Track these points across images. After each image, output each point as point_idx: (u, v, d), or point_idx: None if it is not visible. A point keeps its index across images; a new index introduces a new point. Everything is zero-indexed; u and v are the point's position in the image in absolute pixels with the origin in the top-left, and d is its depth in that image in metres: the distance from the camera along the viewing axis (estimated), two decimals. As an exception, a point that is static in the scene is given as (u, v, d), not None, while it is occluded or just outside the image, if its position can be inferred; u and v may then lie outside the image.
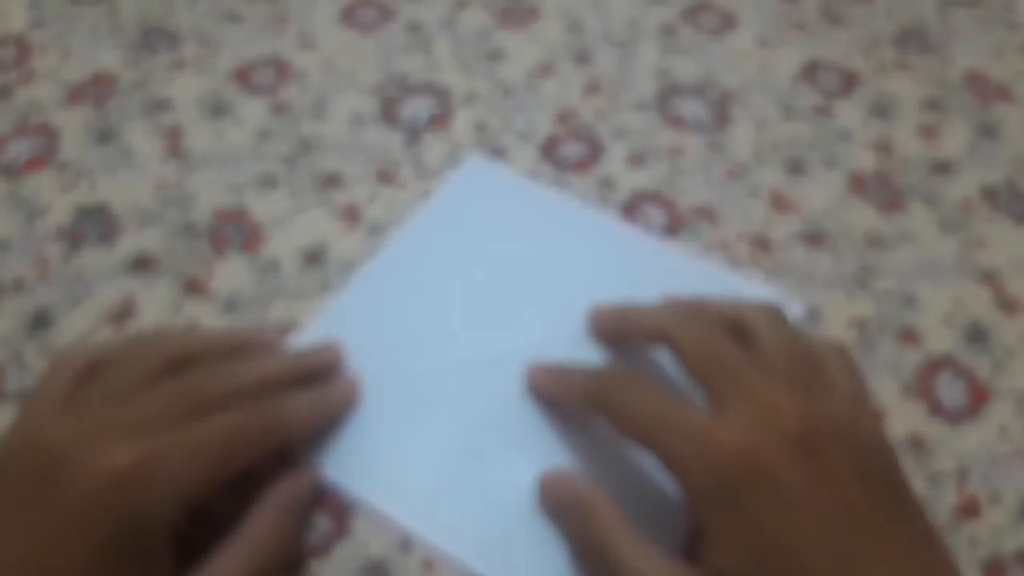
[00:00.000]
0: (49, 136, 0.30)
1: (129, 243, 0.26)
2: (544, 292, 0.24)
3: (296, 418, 0.20)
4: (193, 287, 0.25)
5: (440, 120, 0.31)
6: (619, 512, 0.18)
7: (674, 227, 0.28)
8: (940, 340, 0.25)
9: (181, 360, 0.19)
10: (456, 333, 0.23)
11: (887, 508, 0.17)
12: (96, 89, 0.32)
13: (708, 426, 0.17)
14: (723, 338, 0.19)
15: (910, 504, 0.17)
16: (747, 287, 0.25)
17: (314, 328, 0.24)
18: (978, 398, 0.24)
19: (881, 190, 0.29)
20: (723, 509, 0.16)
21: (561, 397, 0.21)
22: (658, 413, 0.18)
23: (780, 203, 0.29)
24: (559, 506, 0.20)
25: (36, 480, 0.16)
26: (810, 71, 0.34)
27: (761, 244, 0.27)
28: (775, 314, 0.20)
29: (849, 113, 0.32)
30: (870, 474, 0.17)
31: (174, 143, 0.30)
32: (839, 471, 0.16)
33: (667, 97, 0.32)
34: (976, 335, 0.25)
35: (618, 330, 0.23)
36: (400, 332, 0.24)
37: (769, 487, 0.16)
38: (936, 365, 0.24)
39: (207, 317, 0.25)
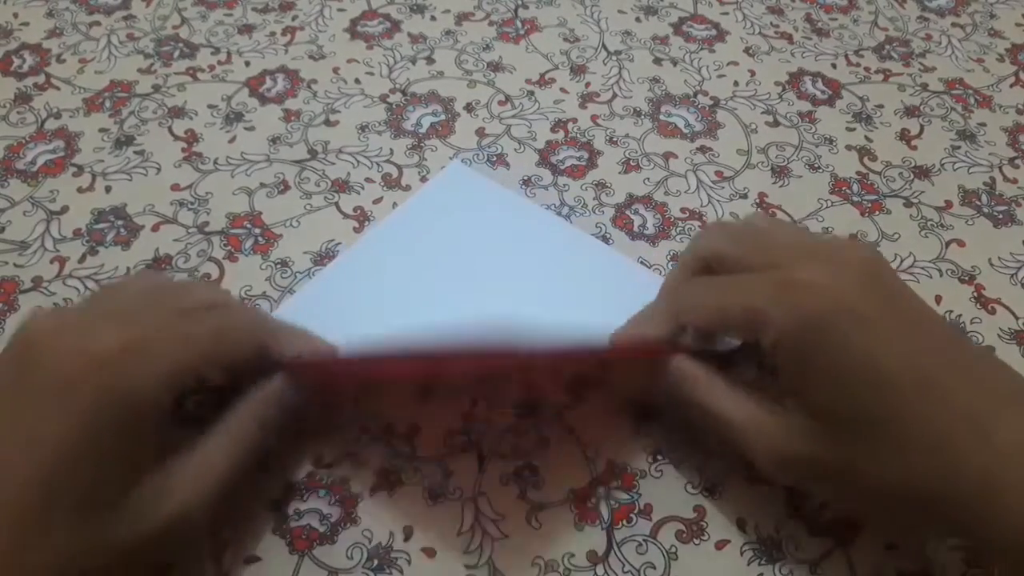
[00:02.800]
0: (67, 140, 0.31)
1: (145, 244, 0.28)
2: (502, 276, 0.26)
3: (279, 326, 0.21)
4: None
5: (443, 127, 0.32)
6: (702, 365, 0.20)
7: (666, 228, 0.29)
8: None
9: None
10: (420, 306, 0.25)
11: (950, 327, 0.18)
12: (113, 96, 0.33)
13: (782, 275, 0.18)
14: (757, 226, 0.21)
15: (960, 332, 0.19)
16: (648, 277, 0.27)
17: (292, 301, 0.25)
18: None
19: (864, 192, 0.31)
20: (810, 347, 0.17)
21: (648, 338, 0.21)
22: (725, 287, 0.19)
23: (767, 205, 0.30)
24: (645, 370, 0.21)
25: (19, 365, 0.17)
26: (796, 79, 0.35)
27: (750, 244, 0.28)
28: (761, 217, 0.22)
29: (833, 119, 0.33)
30: (914, 296, 0.19)
31: (189, 148, 0.31)
32: (907, 297, 0.18)
33: (659, 105, 0.34)
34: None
35: (672, 324, 0.22)
36: (370, 308, 0.25)
37: (847, 315, 0.17)
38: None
39: (220, 314, 0.26)
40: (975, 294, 0.27)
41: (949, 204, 0.30)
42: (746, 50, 0.36)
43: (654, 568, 0.21)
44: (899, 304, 0.18)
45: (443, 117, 0.33)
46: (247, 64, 0.35)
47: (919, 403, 0.16)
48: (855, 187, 0.31)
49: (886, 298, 0.18)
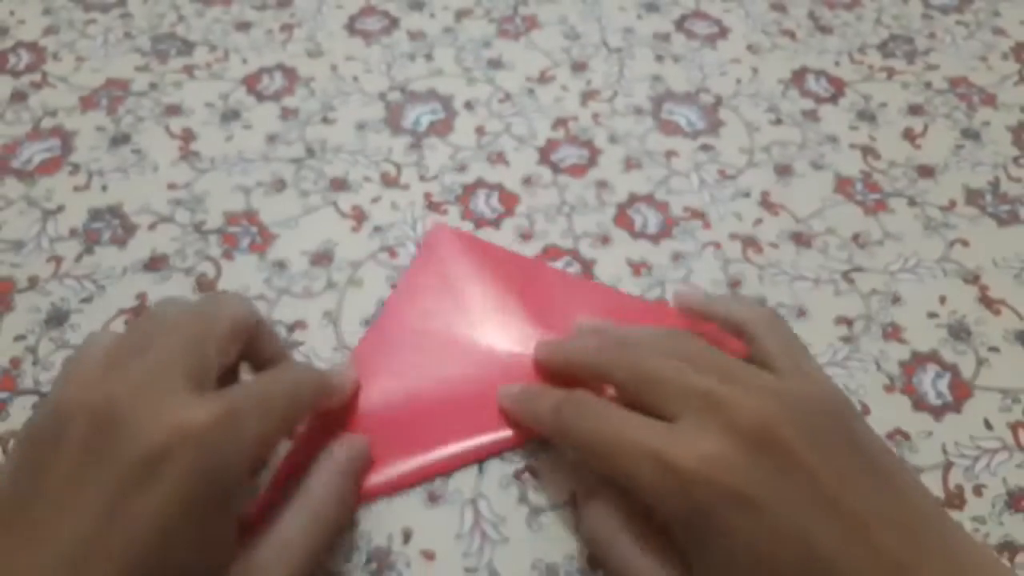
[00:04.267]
0: (63, 139, 0.31)
1: (141, 243, 0.27)
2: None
3: (343, 380, 0.21)
4: (203, 286, 0.26)
5: (442, 125, 0.32)
6: (614, 514, 0.19)
7: (668, 227, 0.29)
8: (925, 338, 0.26)
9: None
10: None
11: (851, 473, 0.17)
12: (109, 94, 0.33)
13: (663, 448, 0.17)
14: (655, 358, 0.19)
15: (869, 447, 0.18)
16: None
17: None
18: (962, 394, 0.24)
19: (867, 192, 0.30)
20: (693, 531, 0.17)
21: (534, 427, 0.21)
22: (612, 438, 0.18)
23: (770, 204, 0.30)
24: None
25: (98, 434, 0.16)
26: (799, 77, 0.35)
27: (752, 244, 0.28)
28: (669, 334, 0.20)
29: (836, 117, 0.33)
30: (829, 439, 0.17)
31: (185, 146, 0.31)
32: (800, 459, 0.16)
33: (661, 103, 0.33)
34: (960, 333, 0.26)
35: (556, 367, 0.22)
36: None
37: (733, 502, 0.16)
38: (921, 362, 0.25)
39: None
40: (979, 294, 0.27)
41: (953, 203, 0.30)
42: (749, 47, 0.36)
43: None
44: (790, 468, 0.16)
45: (442, 115, 0.32)
46: (244, 62, 0.34)
47: None
48: (858, 186, 0.30)
49: (776, 467, 0.16)
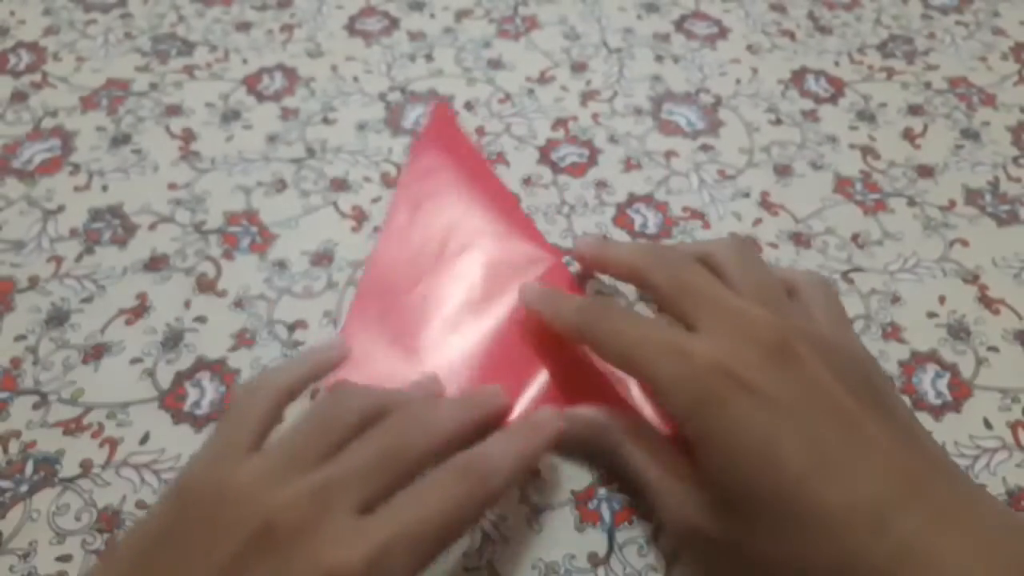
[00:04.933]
0: (64, 139, 0.31)
1: (141, 243, 0.27)
2: None
3: (501, 472, 0.18)
4: (203, 286, 0.26)
5: (442, 125, 0.32)
6: (635, 429, 0.19)
7: (667, 227, 0.29)
8: (924, 337, 0.26)
9: (374, 413, 0.18)
10: None
11: (867, 406, 0.17)
12: (109, 94, 0.33)
13: (684, 342, 0.17)
14: (693, 269, 0.20)
15: (891, 401, 0.18)
16: None
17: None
18: (962, 393, 0.24)
19: (867, 192, 0.30)
20: (705, 420, 0.17)
21: (551, 323, 0.22)
22: (636, 338, 0.18)
23: (769, 204, 0.30)
24: (580, 432, 0.21)
25: (256, 552, 0.15)
26: (798, 77, 0.35)
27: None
28: (744, 246, 0.21)
29: (836, 117, 0.33)
30: (850, 378, 0.17)
31: (185, 146, 0.31)
32: (817, 374, 0.16)
33: (661, 103, 0.33)
34: (960, 333, 0.26)
35: (597, 264, 0.23)
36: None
37: (746, 393, 0.16)
38: (920, 361, 0.25)
39: (216, 315, 0.25)
40: (979, 294, 0.27)
41: (953, 203, 0.30)
42: (748, 48, 0.36)
43: (655, 571, 0.20)
44: (806, 379, 0.16)
45: (442, 115, 0.32)
46: (244, 62, 0.34)
47: (818, 487, 0.15)
48: (858, 186, 0.30)
49: (792, 375, 0.16)
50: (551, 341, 0.22)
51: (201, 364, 0.24)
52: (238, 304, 0.26)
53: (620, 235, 0.28)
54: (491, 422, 0.21)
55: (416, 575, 0.16)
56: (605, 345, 0.19)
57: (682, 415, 0.17)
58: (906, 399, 0.24)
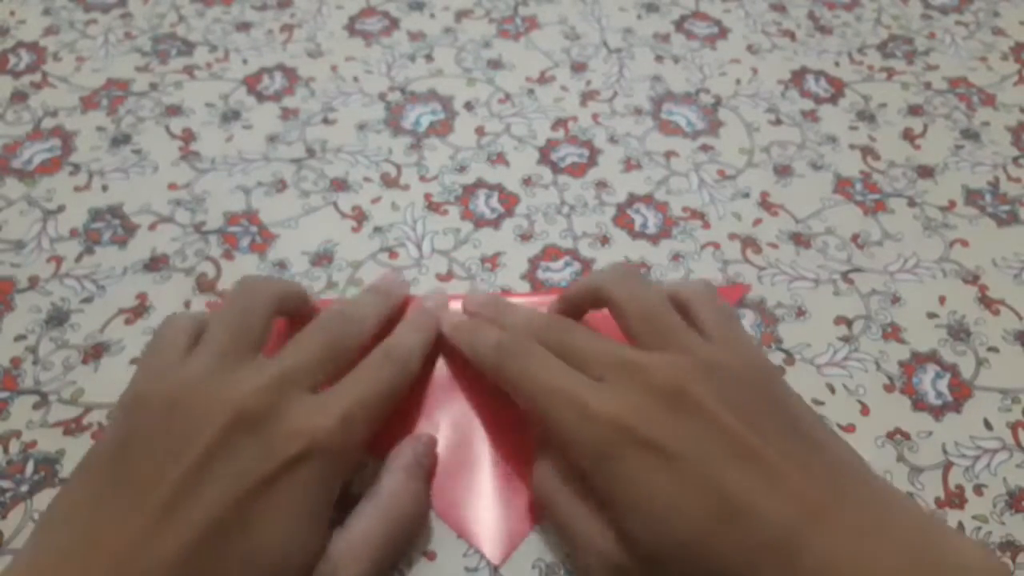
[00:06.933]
0: (64, 139, 0.31)
1: (141, 243, 0.27)
2: None
3: (414, 355, 0.22)
4: (203, 286, 0.26)
5: (442, 126, 0.32)
6: (557, 472, 0.19)
7: (667, 227, 0.29)
8: (924, 338, 0.26)
9: (283, 299, 0.21)
10: None
11: (767, 431, 0.17)
12: (109, 94, 0.33)
13: (589, 397, 0.18)
14: (581, 330, 0.20)
15: (793, 412, 0.18)
16: None
17: None
18: (962, 394, 0.24)
19: (867, 192, 0.30)
20: (606, 477, 0.17)
21: (470, 358, 0.22)
22: (545, 386, 0.19)
23: (769, 204, 0.30)
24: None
25: (234, 434, 0.17)
26: (798, 77, 0.35)
27: (751, 244, 0.28)
28: (628, 274, 0.21)
29: (836, 118, 0.33)
30: (748, 405, 0.17)
31: (185, 146, 0.31)
32: (715, 415, 0.17)
33: (661, 103, 0.33)
34: (960, 333, 0.26)
35: (563, 308, 0.23)
36: None
37: (646, 450, 0.17)
38: (921, 362, 0.25)
39: (217, 314, 0.25)
40: (979, 295, 0.27)
41: (953, 204, 0.30)
42: (748, 48, 0.36)
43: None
44: (704, 424, 0.17)
45: (442, 116, 0.32)
46: (244, 62, 0.34)
47: (724, 538, 0.15)
48: (858, 186, 0.30)
49: (691, 423, 0.17)
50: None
51: (201, 364, 0.24)
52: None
53: (620, 235, 0.28)
54: (400, 309, 0.24)
55: (366, 442, 0.19)
56: (516, 387, 0.20)
57: (586, 469, 0.18)
58: (906, 399, 0.24)
